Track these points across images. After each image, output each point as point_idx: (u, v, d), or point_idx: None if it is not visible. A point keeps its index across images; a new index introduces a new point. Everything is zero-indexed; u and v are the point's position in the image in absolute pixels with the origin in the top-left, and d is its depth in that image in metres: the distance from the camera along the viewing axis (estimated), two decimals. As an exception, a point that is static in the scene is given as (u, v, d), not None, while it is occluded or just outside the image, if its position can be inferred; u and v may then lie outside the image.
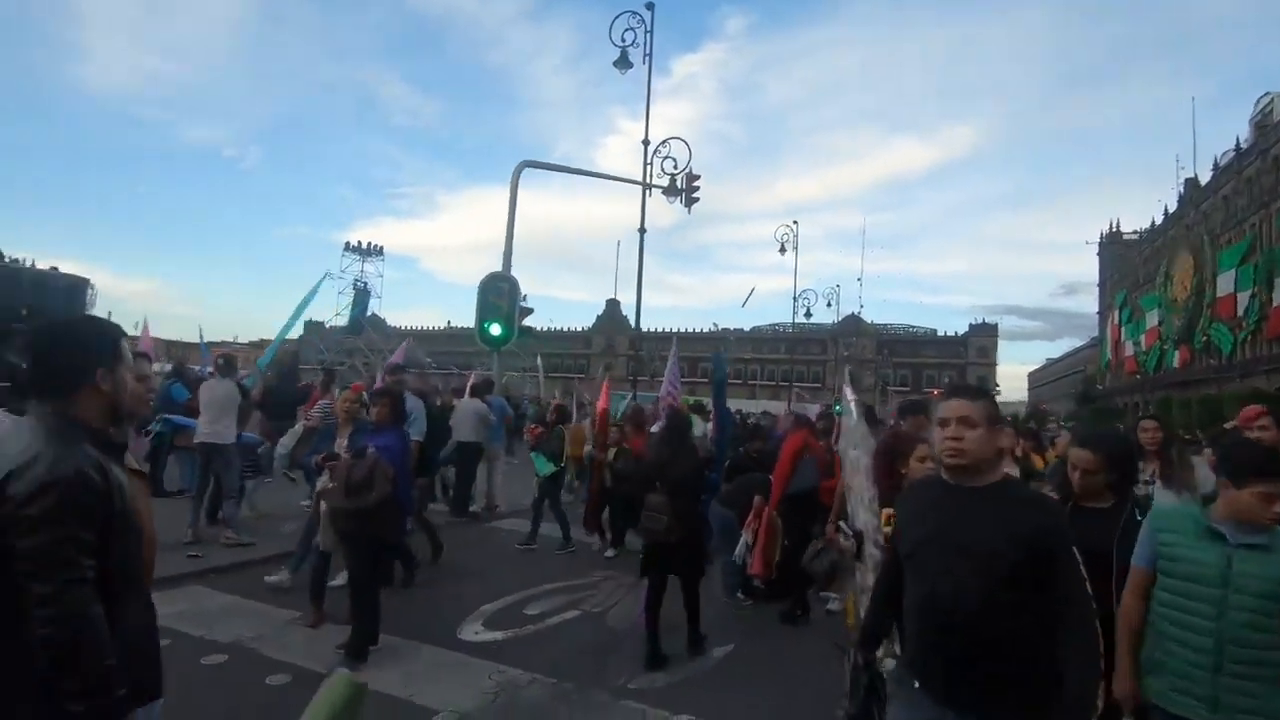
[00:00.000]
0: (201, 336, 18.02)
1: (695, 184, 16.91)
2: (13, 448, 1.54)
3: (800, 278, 71.74)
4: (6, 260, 46.31)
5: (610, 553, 7.78)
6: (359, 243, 60.46)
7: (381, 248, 62.08)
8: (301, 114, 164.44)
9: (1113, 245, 68.07)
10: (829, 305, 41.32)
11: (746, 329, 73.57)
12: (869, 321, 71.17)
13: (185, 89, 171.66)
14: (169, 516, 5.95)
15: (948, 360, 70.81)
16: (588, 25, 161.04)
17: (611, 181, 17.09)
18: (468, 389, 9.80)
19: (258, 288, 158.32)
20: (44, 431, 1.57)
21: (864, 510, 4.17)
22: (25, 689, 1.48)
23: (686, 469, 4.92)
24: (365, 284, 49.68)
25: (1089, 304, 77.83)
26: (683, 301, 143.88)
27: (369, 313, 47.03)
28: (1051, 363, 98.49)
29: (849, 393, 5.38)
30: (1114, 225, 69.99)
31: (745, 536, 5.64)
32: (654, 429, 9.23)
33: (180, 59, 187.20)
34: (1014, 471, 5.76)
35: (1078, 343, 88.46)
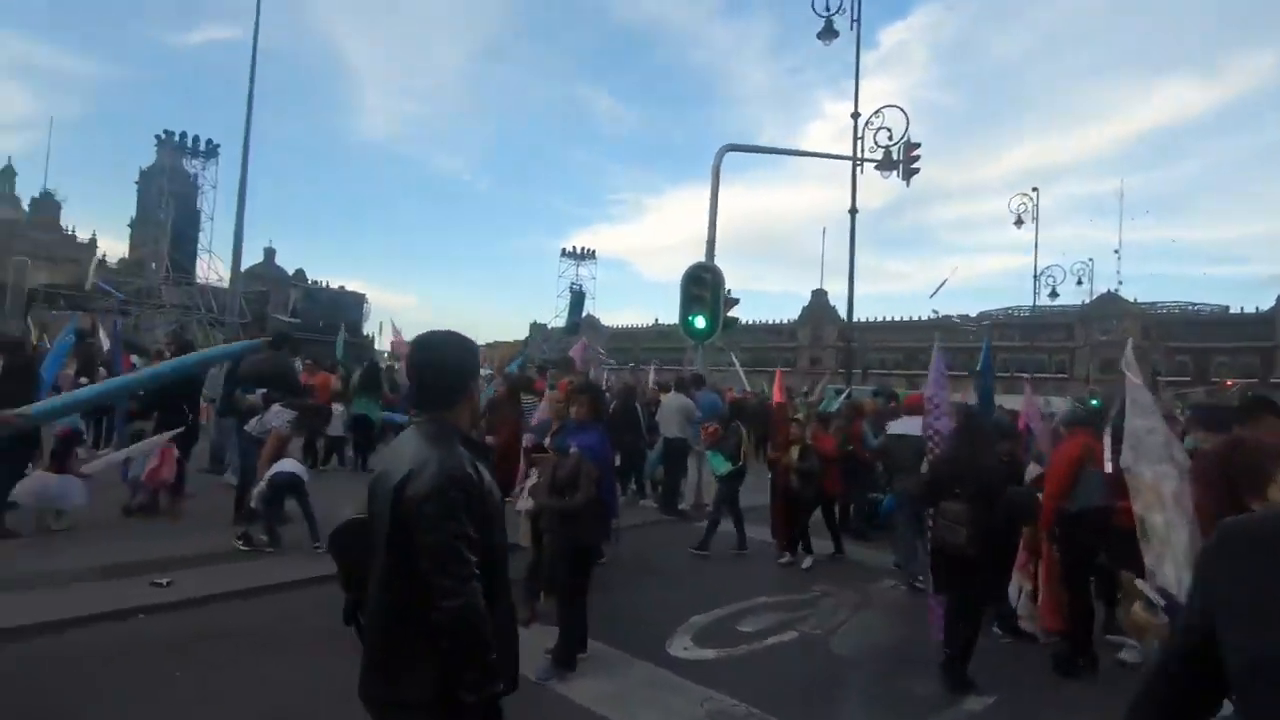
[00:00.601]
0: (443, 340, 20.25)
1: (914, 154, 15.24)
2: (408, 452, 1.74)
3: (1040, 254, 61.52)
4: (310, 283, 56.85)
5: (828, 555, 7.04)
6: (575, 249, 64.43)
7: (594, 252, 65.61)
8: (525, 135, 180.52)
9: None
10: (1079, 283, 35.66)
11: (973, 314, 66.20)
12: (1131, 299, 60.09)
13: (431, 125, 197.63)
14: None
15: (1247, 343, 57.07)
16: (782, 14, 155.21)
17: (816, 167, 16.35)
18: (672, 383, 9.58)
19: (494, 295, 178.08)
20: (427, 437, 1.76)
21: (1171, 564, 3.07)
22: (428, 656, 1.63)
23: (990, 473, 4.24)
24: (581, 287, 53.10)
25: None
26: (899, 288, 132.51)
27: (585, 314, 50.15)
28: None
29: (1134, 377, 4.06)
30: None
31: (1020, 581, 4.63)
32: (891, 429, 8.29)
33: (426, 100, 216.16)
34: None
35: None
